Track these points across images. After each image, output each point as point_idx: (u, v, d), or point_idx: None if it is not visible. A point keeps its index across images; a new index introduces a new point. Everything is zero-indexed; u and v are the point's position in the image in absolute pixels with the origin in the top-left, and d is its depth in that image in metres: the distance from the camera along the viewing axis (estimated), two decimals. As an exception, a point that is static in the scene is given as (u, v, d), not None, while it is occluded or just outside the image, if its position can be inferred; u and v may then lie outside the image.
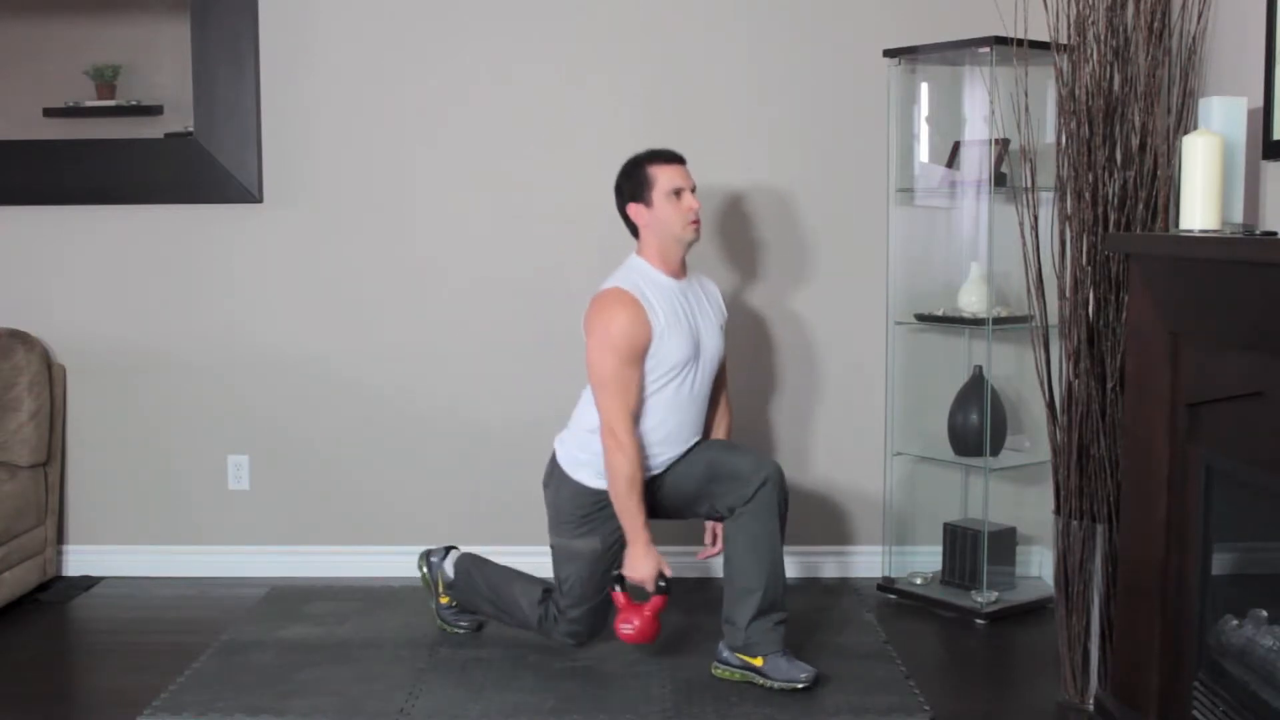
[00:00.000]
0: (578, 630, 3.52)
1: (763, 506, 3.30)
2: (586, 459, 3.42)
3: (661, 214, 3.37)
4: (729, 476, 3.35)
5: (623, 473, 3.30)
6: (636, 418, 3.34)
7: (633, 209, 3.41)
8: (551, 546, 3.53)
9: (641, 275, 3.38)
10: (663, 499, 3.46)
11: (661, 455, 3.43)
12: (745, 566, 3.32)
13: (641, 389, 3.34)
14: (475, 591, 3.66)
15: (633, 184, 3.41)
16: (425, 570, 3.81)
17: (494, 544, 4.07)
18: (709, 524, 3.63)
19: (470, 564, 3.71)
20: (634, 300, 3.31)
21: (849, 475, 4.30)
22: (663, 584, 3.36)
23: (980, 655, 3.69)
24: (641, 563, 3.35)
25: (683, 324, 3.37)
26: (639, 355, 3.32)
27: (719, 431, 3.65)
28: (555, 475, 3.49)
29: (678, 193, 3.37)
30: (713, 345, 3.47)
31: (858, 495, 4.31)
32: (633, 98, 4.21)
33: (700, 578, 4.15)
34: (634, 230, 3.45)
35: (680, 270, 3.45)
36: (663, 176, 3.38)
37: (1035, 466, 4.07)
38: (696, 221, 3.39)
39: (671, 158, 3.42)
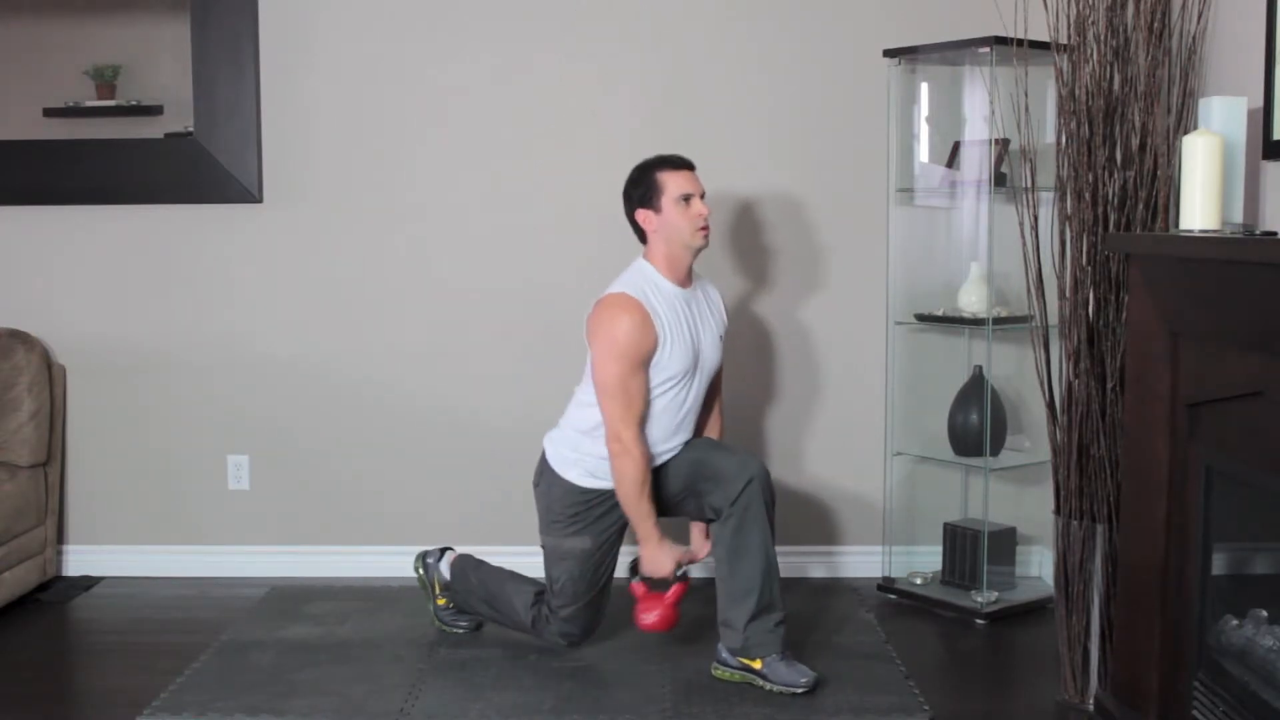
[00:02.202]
0: (570, 630, 3.52)
1: (751, 506, 3.30)
2: (575, 458, 3.42)
3: (670, 220, 3.36)
4: (714, 476, 3.35)
5: (632, 477, 3.31)
6: (642, 424, 3.35)
7: (641, 215, 3.40)
8: (542, 546, 3.53)
9: (648, 281, 3.37)
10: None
11: (652, 459, 3.42)
12: (738, 568, 3.31)
13: (646, 396, 3.34)
14: (470, 593, 3.67)
15: (641, 190, 3.39)
16: (422, 571, 3.81)
17: (493, 544, 4.08)
18: (695, 525, 3.63)
19: (466, 565, 3.71)
20: (640, 306, 3.30)
21: (849, 475, 4.30)
22: (680, 572, 3.40)
23: (980, 655, 3.69)
24: (659, 560, 3.38)
25: (684, 334, 3.37)
26: (645, 362, 3.31)
27: (710, 435, 3.65)
28: (546, 474, 3.49)
29: (687, 199, 3.36)
30: (711, 356, 3.48)
31: (858, 495, 4.30)
32: (633, 99, 4.21)
33: (701, 577, 4.14)
34: (641, 236, 3.44)
35: (687, 279, 3.44)
36: (672, 182, 3.37)
37: (1035, 466, 4.07)
38: (705, 228, 3.38)
39: (681, 164, 3.41)
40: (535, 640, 3.60)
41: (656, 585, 3.44)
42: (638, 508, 3.34)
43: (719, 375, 3.60)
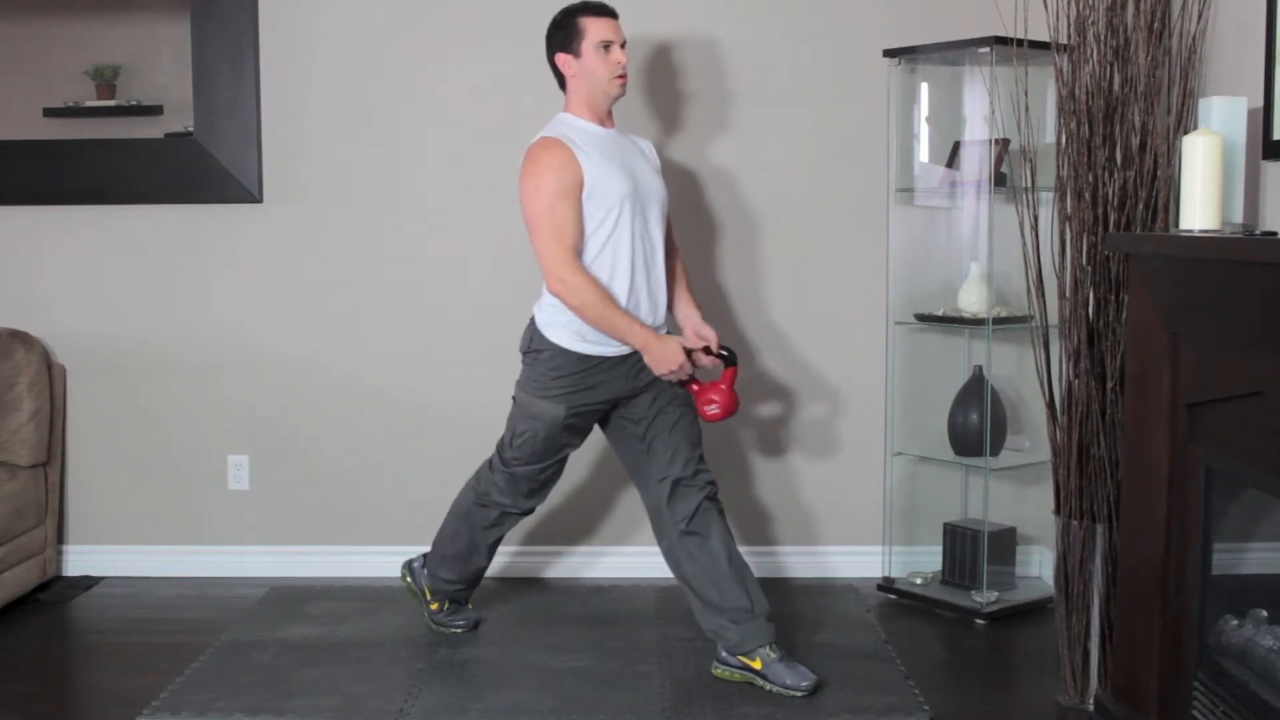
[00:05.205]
0: (516, 487, 3.50)
1: (710, 521, 3.35)
2: (564, 320, 3.35)
3: (589, 65, 3.36)
4: (673, 458, 3.35)
5: (590, 302, 3.25)
6: (579, 255, 3.28)
7: (561, 59, 3.40)
8: (514, 399, 3.50)
9: (568, 125, 3.38)
10: (615, 425, 3.45)
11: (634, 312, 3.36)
12: (717, 581, 3.34)
13: (583, 230, 3.28)
14: (442, 549, 3.67)
15: (563, 34, 3.39)
16: (409, 579, 3.82)
17: (494, 544, 4.09)
18: (683, 331, 3.54)
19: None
20: (559, 142, 3.30)
21: (849, 475, 4.30)
22: (725, 353, 3.38)
23: (980, 655, 3.69)
24: (665, 354, 3.29)
25: (615, 163, 3.34)
26: (570, 192, 3.27)
27: (679, 286, 3.56)
28: (535, 339, 3.44)
29: (606, 45, 3.36)
30: (651, 184, 3.43)
31: (858, 495, 4.30)
32: (632, 99, 4.21)
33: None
34: (561, 82, 3.44)
35: (608, 120, 3.44)
36: (593, 28, 3.36)
37: (1035, 466, 4.06)
38: (623, 76, 3.38)
39: (603, 10, 3.40)
40: (537, 639, 3.59)
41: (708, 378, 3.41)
42: (612, 321, 3.27)
43: (670, 231, 3.55)
